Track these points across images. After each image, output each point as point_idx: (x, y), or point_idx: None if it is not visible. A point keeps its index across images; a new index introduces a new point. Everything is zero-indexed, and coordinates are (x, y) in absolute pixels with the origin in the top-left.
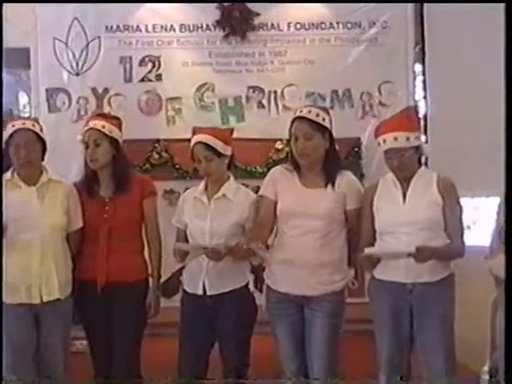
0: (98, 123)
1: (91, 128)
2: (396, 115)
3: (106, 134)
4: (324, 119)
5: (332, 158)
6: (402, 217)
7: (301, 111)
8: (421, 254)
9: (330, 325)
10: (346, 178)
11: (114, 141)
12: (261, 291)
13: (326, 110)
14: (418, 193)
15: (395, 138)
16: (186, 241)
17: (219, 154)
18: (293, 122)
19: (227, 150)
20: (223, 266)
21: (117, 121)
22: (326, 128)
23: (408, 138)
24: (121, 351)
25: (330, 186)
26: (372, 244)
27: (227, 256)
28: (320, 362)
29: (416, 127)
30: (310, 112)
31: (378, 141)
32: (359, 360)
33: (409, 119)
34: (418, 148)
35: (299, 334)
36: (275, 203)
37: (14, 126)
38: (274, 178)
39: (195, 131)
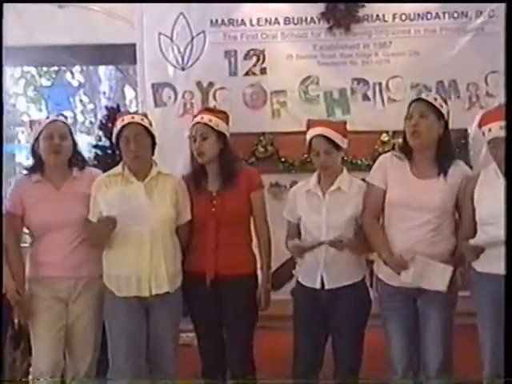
0: (205, 117)
1: (198, 122)
2: (501, 104)
3: (212, 128)
4: (441, 105)
5: (446, 146)
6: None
7: (418, 95)
8: None
9: (445, 317)
10: (459, 169)
11: (220, 135)
12: (371, 285)
13: (444, 99)
14: None
15: (501, 127)
16: (299, 234)
17: (338, 147)
18: (410, 104)
19: (345, 143)
20: (341, 260)
21: (224, 115)
22: (441, 113)
23: None
24: (234, 345)
25: (442, 176)
26: (473, 236)
27: (346, 249)
28: (436, 355)
29: None
30: (428, 95)
31: (482, 130)
32: (461, 355)
33: None
34: None
35: (411, 327)
36: (384, 192)
37: (123, 120)
38: (383, 165)
39: (310, 124)
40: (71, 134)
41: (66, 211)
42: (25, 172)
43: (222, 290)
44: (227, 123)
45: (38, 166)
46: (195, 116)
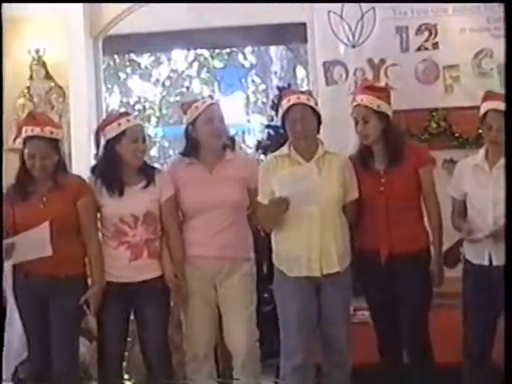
0: (365, 98)
1: (359, 104)
2: None
3: (374, 110)
4: None
5: None
6: None
7: None
8: None
9: None
10: None
11: (382, 115)
12: None
13: None
14: None
15: None
16: (465, 209)
17: None
18: None
19: None
20: None
21: (384, 93)
22: None
23: None
24: (410, 323)
25: None
26: None
27: None
28: None
29: None
30: None
31: None
32: None
33: None
34: None
35: None
36: None
37: (289, 100)
38: None
39: (486, 96)
40: None
41: (217, 194)
42: (180, 155)
43: (396, 267)
44: (389, 102)
45: (192, 149)
46: (354, 95)
